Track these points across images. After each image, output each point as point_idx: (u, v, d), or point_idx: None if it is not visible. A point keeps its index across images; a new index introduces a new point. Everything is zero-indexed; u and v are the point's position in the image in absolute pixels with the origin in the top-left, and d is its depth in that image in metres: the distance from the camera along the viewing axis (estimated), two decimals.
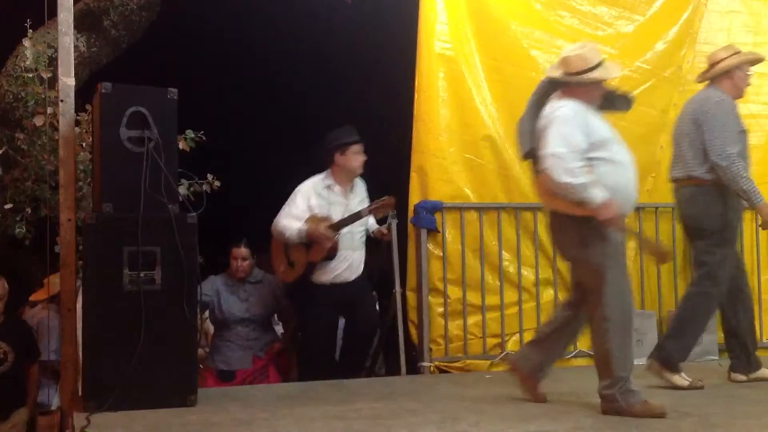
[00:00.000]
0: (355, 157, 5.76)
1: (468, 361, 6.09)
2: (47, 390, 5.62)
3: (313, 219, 5.69)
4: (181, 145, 5.58)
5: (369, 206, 5.75)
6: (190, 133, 5.79)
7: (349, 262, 5.78)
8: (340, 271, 5.74)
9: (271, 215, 5.91)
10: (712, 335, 6.40)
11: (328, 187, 5.80)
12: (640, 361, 6.14)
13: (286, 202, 5.79)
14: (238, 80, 7.95)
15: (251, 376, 5.99)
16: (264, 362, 6.09)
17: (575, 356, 6.28)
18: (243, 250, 6.19)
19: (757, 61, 5.37)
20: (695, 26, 6.79)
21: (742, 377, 5.24)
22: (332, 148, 5.77)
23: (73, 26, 4.85)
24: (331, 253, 5.64)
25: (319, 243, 5.62)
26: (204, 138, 5.80)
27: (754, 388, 5.03)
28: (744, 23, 6.98)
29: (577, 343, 6.30)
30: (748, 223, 6.77)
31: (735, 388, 5.08)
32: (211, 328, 6.56)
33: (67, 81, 4.70)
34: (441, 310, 6.10)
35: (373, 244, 6.28)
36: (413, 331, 6.13)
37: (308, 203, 5.75)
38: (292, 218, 5.71)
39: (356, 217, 5.69)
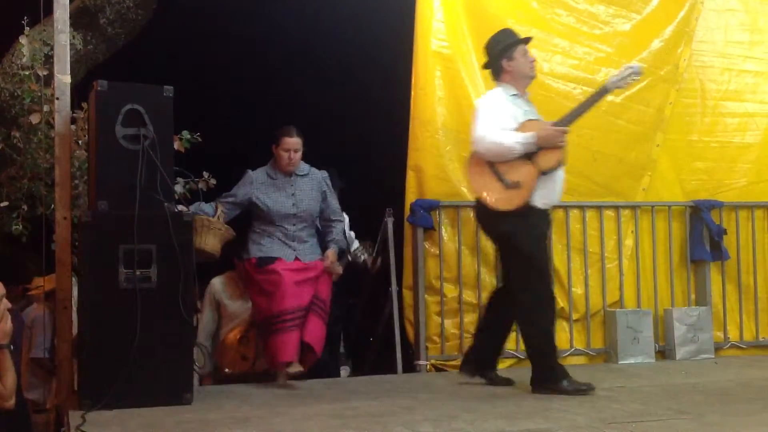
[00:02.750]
0: (524, 60, 5.11)
1: None
2: (42, 389, 5.61)
3: (530, 124, 4.95)
4: (177, 145, 5.58)
5: (613, 79, 5.05)
6: (186, 134, 5.79)
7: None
8: (558, 192, 5.05)
9: None
10: (708, 333, 6.41)
11: (514, 95, 5.09)
12: (636, 360, 6.20)
13: (476, 121, 4.97)
14: (235, 78, 7.93)
15: (297, 275, 5.25)
16: (315, 272, 5.32)
17: (571, 354, 6.29)
18: (296, 140, 5.41)
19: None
20: (692, 24, 6.79)
21: None
22: (499, 57, 5.10)
23: (69, 24, 4.85)
24: (565, 158, 4.97)
25: (554, 146, 4.86)
26: (200, 139, 5.80)
27: (750, 387, 5.03)
28: (741, 21, 6.98)
29: (573, 342, 6.32)
30: (744, 222, 6.80)
31: (730, 386, 5.08)
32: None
33: (63, 78, 4.70)
34: (437, 308, 6.10)
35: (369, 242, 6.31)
36: (410, 330, 6.13)
37: (509, 112, 4.99)
38: (501, 130, 4.90)
39: (595, 98, 5.05)
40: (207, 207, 5.35)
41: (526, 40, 5.16)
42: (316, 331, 5.18)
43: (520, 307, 4.89)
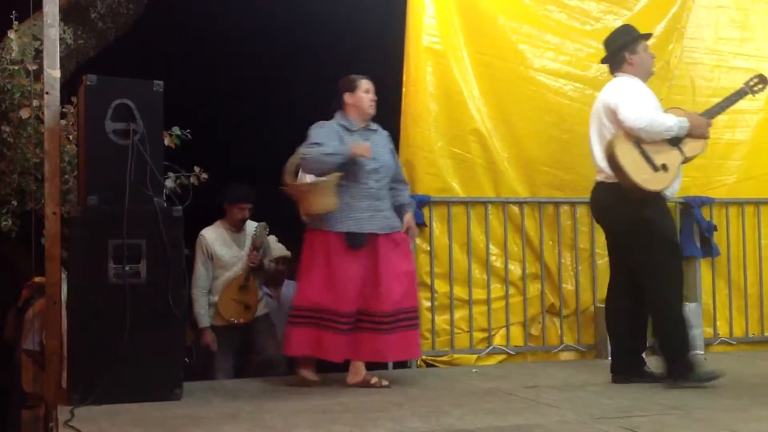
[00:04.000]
0: (646, 55, 5.18)
1: (455, 355, 6.10)
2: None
3: (676, 110, 5.03)
4: (167, 141, 5.57)
5: (750, 84, 5.21)
6: (176, 130, 5.78)
7: None
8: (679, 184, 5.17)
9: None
10: (697, 329, 6.41)
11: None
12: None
13: (624, 101, 4.90)
14: (226, 73, 7.92)
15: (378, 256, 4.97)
16: (393, 240, 5.06)
17: (561, 350, 6.31)
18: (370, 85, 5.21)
19: None
20: (683, 21, 6.79)
21: None
22: (621, 49, 5.15)
23: (59, 18, 4.83)
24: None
25: (701, 135, 4.98)
26: (190, 136, 5.79)
27: (740, 383, 5.04)
28: (731, 18, 6.99)
29: (563, 337, 6.33)
30: (734, 218, 6.82)
31: (720, 382, 5.08)
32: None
33: (53, 73, 4.68)
34: (428, 304, 6.09)
35: None
36: None
37: (650, 96, 5.06)
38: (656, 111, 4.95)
39: (735, 98, 5.21)
40: None
41: (647, 36, 5.29)
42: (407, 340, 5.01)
43: (657, 295, 4.90)
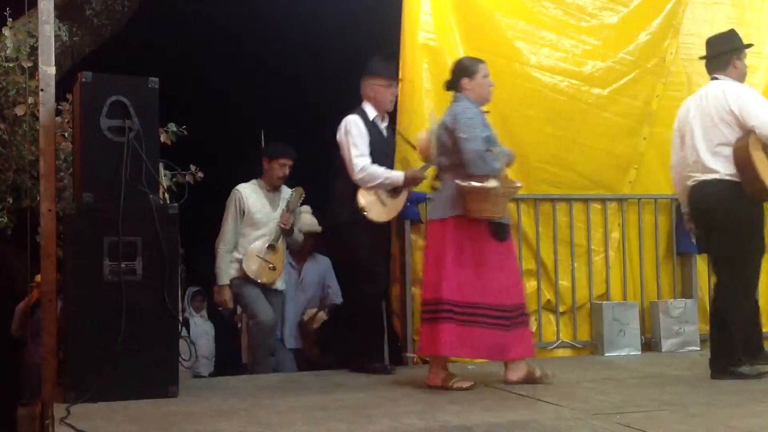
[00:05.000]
0: (743, 65, 5.35)
1: None
2: None
3: None
4: (163, 138, 5.56)
5: None
6: (172, 127, 5.77)
7: None
8: None
9: None
10: (693, 326, 6.43)
11: None
12: (622, 352, 6.21)
13: (753, 108, 5.00)
14: (222, 70, 7.91)
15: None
16: None
17: (558, 347, 6.31)
18: None
19: None
20: (679, 17, 6.79)
21: None
22: (732, 53, 5.27)
23: (53, 15, 4.82)
24: None
25: None
26: (186, 132, 5.78)
27: (737, 380, 5.04)
28: (728, 15, 6.98)
29: (560, 334, 6.34)
30: None
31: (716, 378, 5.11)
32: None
33: (48, 70, 4.67)
34: None
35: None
36: (397, 322, 6.12)
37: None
38: None
39: None
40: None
41: (749, 46, 5.44)
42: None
43: (730, 288, 5.01)
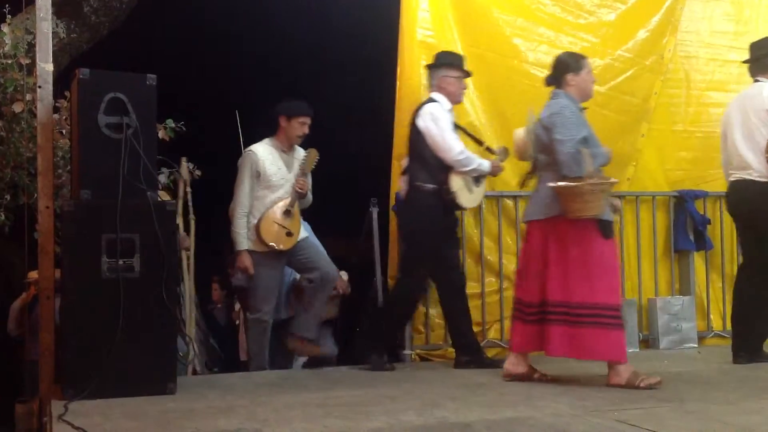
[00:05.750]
0: None
1: (449, 349, 6.08)
2: None
3: None
4: (161, 134, 5.56)
5: None
6: (170, 123, 5.76)
7: None
8: None
9: None
10: (691, 323, 6.44)
11: None
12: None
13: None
14: (220, 67, 7.91)
15: None
16: None
17: None
18: None
19: None
20: (677, 15, 6.79)
21: None
22: None
23: (51, 11, 4.81)
24: None
25: None
26: (184, 128, 5.77)
27: (732, 376, 5.06)
28: (725, 12, 7.00)
29: None
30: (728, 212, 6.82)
31: (713, 375, 5.12)
32: None
33: (46, 66, 4.67)
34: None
35: (354, 232, 6.29)
36: None
37: None
38: None
39: None
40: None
41: None
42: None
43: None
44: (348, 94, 7.30)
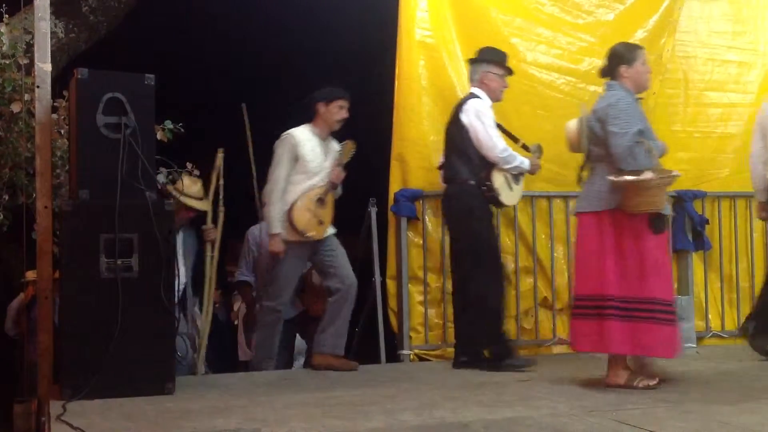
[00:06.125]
0: None
1: (447, 349, 6.08)
2: None
3: None
4: (159, 135, 5.55)
5: None
6: (168, 124, 5.76)
7: None
8: None
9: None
10: (690, 323, 6.43)
11: None
12: None
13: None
14: (218, 66, 7.91)
15: None
16: None
17: (555, 344, 6.31)
18: None
19: None
20: (675, 15, 6.80)
21: None
22: None
23: (50, 11, 4.81)
24: None
25: None
26: (182, 130, 5.77)
27: (730, 376, 5.07)
28: (724, 12, 7.00)
29: (556, 331, 6.34)
30: (726, 212, 6.83)
31: (711, 375, 5.12)
32: None
33: (44, 66, 4.67)
34: (421, 298, 6.10)
35: (352, 232, 6.28)
36: (393, 319, 6.14)
37: None
38: None
39: None
40: None
41: None
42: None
43: None
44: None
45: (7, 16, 5.58)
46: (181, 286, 5.69)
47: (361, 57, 7.19)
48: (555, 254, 6.42)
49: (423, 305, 6.09)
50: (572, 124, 4.92)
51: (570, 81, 6.49)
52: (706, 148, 6.80)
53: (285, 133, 5.54)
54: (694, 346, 6.41)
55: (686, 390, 4.56)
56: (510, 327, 6.28)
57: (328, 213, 5.54)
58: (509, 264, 6.30)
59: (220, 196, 5.63)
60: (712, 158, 6.86)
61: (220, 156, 5.57)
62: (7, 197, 5.51)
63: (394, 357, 6.00)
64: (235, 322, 7.67)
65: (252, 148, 6.60)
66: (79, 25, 6.41)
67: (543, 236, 6.41)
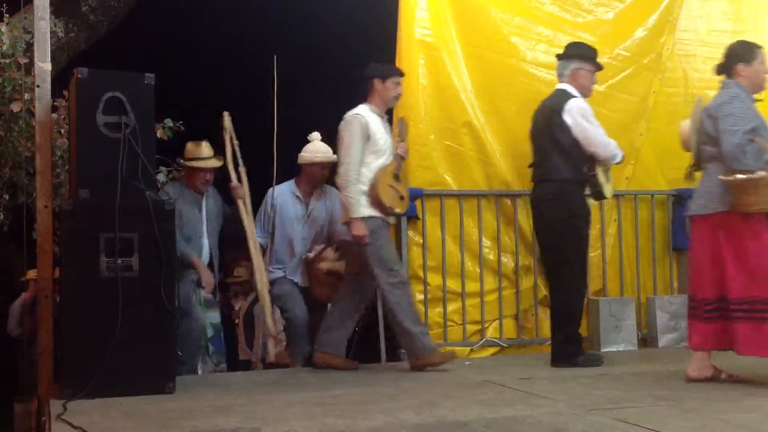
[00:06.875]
0: None
1: (448, 348, 6.09)
2: None
3: None
4: (159, 133, 5.56)
5: None
6: (168, 122, 5.76)
7: None
8: None
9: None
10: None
11: None
12: (619, 347, 6.23)
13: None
14: (218, 66, 7.91)
15: None
16: None
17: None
18: None
19: None
20: (675, 13, 6.80)
21: None
22: None
23: (49, 11, 4.82)
24: None
25: None
26: (182, 128, 5.77)
27: None
28: (723, 10, 7.00)
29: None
30: None
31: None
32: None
33: (44, 66, 4.67)
34: (421, 297, 6.10)
35: None
36: None
37: None
38: None
39: None
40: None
41: None
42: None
43: None
44: (346, 92, 7.28)
45: (7, 15, 5.60)
46: (206, 257, 5.71)
47: (360, 56, 7.18)
48: None
49: (423, 304, 6.09)
50: (685, 123, 4.91)
51: None
52: None
53: (351, 114, 5.38)
54: None
55: (686, 388, 4.56)
56: (510, 326, 6.32)
57: (404, 188, 5.52)
58: (510, 262, 6.32)
59: (239, 156, 5.62)
60: None
61: (227, 117, 5.54)
62: (7, 197, 5.53)
63: (394, 356, 6.00)
64: (236, 321, 7.67)
65: (277, 104, 6.04)
66: (78, 24, 6.42)
67: None
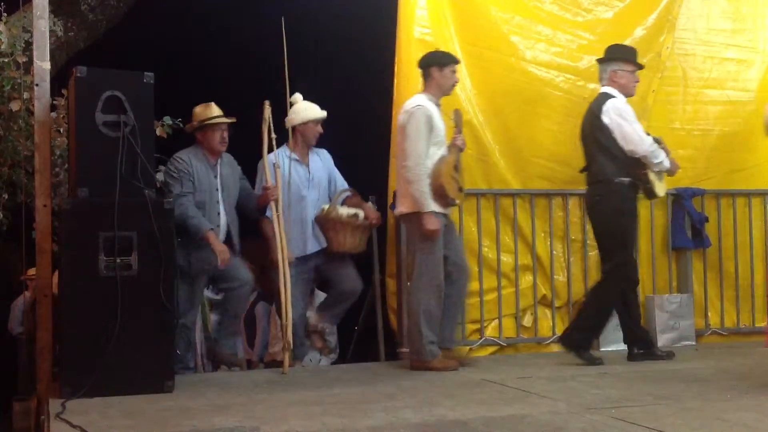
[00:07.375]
0: None
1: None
2: None
3: None
4: (159, 131, 5.56)
5: None
6: (167, 120, 5.76)
7: None
8: None
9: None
10: (689, 320, 6.45)
11: None
12: (618, 347, 6.22)
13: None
14: (218, 65, 7.90)
15: None
16: None
17: (554, 342, 6.31)
18: None
19: None
20: (674, 12, 6.79)
21: None
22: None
23: (48, 10, 4.81)
24: None
25: None
26: (182, 125, 5.76)
27: (729, 373, 5.06)
28: (723, 9, 6.99)
29: (555, 329, 6.34)
30: (725, 209, 6.82)
31: (710, 373, 5.11)
32: None
33: (43, 65, 4.67)
34: None
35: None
36: (392, 318, 6.14)
37: None
38: None
39: None
40: None
41: None
42: None
43: None
44: (346, 91, 7.30)
45: (6, 14, 5.60)
46: (222, 229, 5.51)
47: (359, 55, 7.19)
48: (554, 252, 6.42)
49: None
50: None
51: (569, 78, 6.49)
52: (705, 146, 6.80)
53: (413, 105, 5.27)
54: (694, 343, 6.43)
55: (686, 387, 4.56)
56: (509, 325, 6.32)
57: (463, 179, 5.46)
58: (509, 261, 6.32)
59: (275, 150, 5.46)
60: (711, 156, 6.85)
61: (267, 107, 5.34)
62: (6, 196, 5.53)
63: (393, 355, 6.00)
64: None
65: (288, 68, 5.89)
66: (78, 23, 6.42)
67: (542, 234, 6.41)
